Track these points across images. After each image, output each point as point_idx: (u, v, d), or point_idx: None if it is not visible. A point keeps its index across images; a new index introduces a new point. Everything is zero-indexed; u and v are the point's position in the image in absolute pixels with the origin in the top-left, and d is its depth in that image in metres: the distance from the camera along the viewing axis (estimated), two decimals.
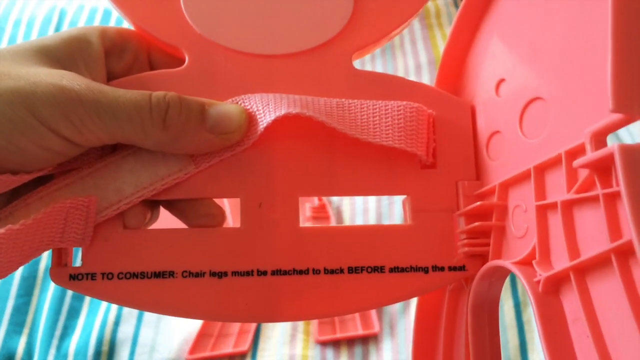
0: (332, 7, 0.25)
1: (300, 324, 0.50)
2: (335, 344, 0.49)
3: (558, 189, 0.19)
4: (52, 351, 0.48)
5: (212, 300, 0.23)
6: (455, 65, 0.27)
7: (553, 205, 0.20)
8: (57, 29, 0.70)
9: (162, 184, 0.23)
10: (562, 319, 0.18)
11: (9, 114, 0.19)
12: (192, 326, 0.49)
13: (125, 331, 0.48)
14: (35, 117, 0.19)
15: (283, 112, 0.23)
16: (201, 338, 0.48)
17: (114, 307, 0.50)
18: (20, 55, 0.21)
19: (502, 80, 0.24)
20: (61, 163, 0.22)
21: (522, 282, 0.19)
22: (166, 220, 0.25)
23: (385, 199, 0.57)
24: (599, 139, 0.17)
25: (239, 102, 0.23)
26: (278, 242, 0.23)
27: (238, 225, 0.24)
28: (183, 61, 0.24)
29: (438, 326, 0.27)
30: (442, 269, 0.24)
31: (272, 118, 0.23)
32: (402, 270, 0.24)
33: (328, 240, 0.24)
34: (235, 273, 0.23)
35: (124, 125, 0.20)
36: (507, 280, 0.51)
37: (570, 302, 0.18)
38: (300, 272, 0.23)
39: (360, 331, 0.49)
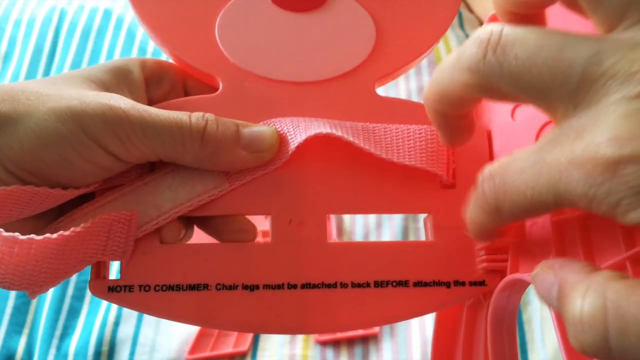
0: (356, 38, 0.27)
1: None
2: (335, 344, 0.49)
3: None
4: (52, 351, 0.48)
5: (245, 312, 0.24)
6: None
7: (568, 220, 0.20)
8: (57, 29, 0.70)
9: (199, 201, 0.24)
10: None
11: (62, 130, 0.20)
12: (192, 326, 0.49)
13: (125, 331, 0.48)
14: (85, 134, 0.21)
15: (314, 132, 0.24)
16: (201, 338, 0.48)
17: (114, 307, 0.50)
18: (71, 80, 0.22)
19: (517, 106, 0.25)
20: (104, 181, 0.23)
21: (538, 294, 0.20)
22: (197, 239, 0.26)
23: None
24: None
25: (271, 125, 0.25)
26: (307, 257, 0.25)
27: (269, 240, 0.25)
28: (217, 89, 0.26)
29: (456, 341, 0.28)
30: (463, 283, 0.25)
31: (304, 138, 0.24)
32: (426, 284, 0.25)
33: (355, 255, 0.25)
34: (266, 286, 0.24)
35: (166, 141, 0.22)
36: None
37: None
38: (329, 285, 0.24)
39: (360, 331, 0.49)
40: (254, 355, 0.48)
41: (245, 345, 0.48)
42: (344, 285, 0.24)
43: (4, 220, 0.20)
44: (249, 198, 0.25)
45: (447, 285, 0.25)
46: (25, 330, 0.50)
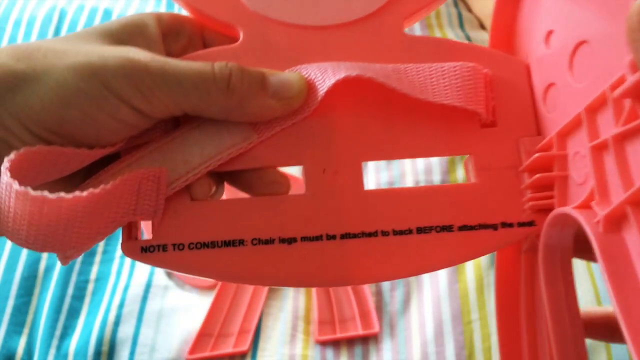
0: None
1: (300, 324, 0.50)
2: (335, 344, 0.49)
3: (609, 127, 0.19)
4: (52, 351, 0.48)
5: (283, 266, 0.23)
6: (506, 24, 0.27)
7: (606, 144, 0.19)
8: (57, 28, 0.70)
9: (227, 154, 0.23)
10: (626, 256, 0.18)
11: (83, 87, 0.20)
12: (192, 326, 0.49)
13: (125, 331, 0.48)
14: (107, 89, 0.20)
15: (343, 75, 0.23)
16: (201, 338, 0.48)
17: (114, 307, 0.50)
18: (86, 37, 0.22)
19: (551, 32, 0.24)
20: (129, 140, 0.22)
21: (582, 225, 0.19)
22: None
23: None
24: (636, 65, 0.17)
25: (297, 71, 0.24)
26: (344, 206, 0.24)
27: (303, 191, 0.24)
28: (237, 39, 0.25)
29: (519, 290, 0.27)
30: (510, 225, 0.24)
31: (332, 83, 0.23)
32: (471, 228, 0.24)
33: (394, 202, 0.24)
34: (304, 238, 0.23)
35: (190, 92, 0.21)
36: None
37: (632, 236, 0.18)
38: (369, 234, 0.23)
39: (360, 331, 0.49)
40: (254, 355, 0.48)
41: (245, 346, 0.48)
42: (385, 234, 0.23)
43: (31, 183, 0.19)
44: (280, 149, 0.24)
45: (494, 227, 0.24)
46: (25, 330, 0.50)
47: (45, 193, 0.18)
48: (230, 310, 0.50)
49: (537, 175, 0.23)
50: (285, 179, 0.25)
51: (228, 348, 0.48)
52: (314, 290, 0.51)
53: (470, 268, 0.52)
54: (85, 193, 0.19)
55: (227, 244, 0.23)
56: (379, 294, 0.52)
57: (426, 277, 0.52)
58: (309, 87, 0.23)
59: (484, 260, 0.52)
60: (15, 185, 0.18)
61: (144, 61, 0.20)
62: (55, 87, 0.20)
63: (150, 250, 0.23)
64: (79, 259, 0.53)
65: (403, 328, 0.50)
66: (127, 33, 0.23)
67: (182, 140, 0.23)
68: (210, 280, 0.52)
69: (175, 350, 0.48)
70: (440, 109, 0.24)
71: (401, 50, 0.25)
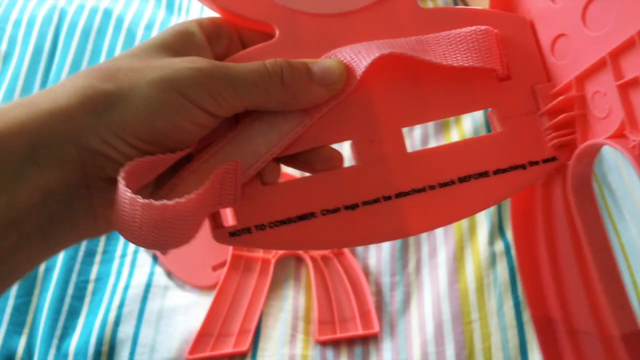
0: None
1: (300, 324, 0.50)
2: (335, 344, 0.49)
3: (633, 69, 0.23)
4: (52, 351, 0.48)
5: (350, 229, 0.26)
6: None
7: (633, 82, 0.23)
8: (57, 29, 0.70)
9: (287, 139, 0.25)
10: None
11: (165, 98, 0.22)
12: (192, 326, 0.49)
13: (125, 331, 0.48)
14: (184, 97, 0.23)
15: (377, 54, 0.25)
16: (201, 338, 0.48)
17: (114, 307, 0.50)
18: (149, 52, 0.25)
19: None
20: (200, 140, 0.25)
21: (620, 151, 0.23)
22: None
23: None
24: None
25: (332, 56, 0.26)
26: (394, 169, 0.27)
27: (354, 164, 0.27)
28: (271, 34, 0.27)
29: (534, 223, 0.30)
30: (536, 162, 0.27)
31: (369, 62, 0.25)
32: (504, 171, 0.27)
33: (435, 159, 0.27)
34: (365, 203, 0.26)
35: (252, 90, 0.24)
36: (507, 280, 0.51)
37: None
38: (419, 190, 0.27)
39: (360, 331, 0.49)
40: (254, 355, 0.48)
41: (245, 346, 0.48)
42: (432, 187, 0.27)
43: (135, 188, 0.22)
44: (330, 128, 0.27)
45: (523, 167, 0.27)
46: (25, 330, 0.50)
47: (151, 201, 0.21)
48: (230, 310, 0.50)
49: (562, 116, 0.26)
50: (339, 154, 0.27)
51: (228, 348, 0.48)
52: (314, 290, 0.51)
53: (470, 268, 0.52)
54: (184, 199, 0.22)
55: (301, 218, 0.26)
56: (379, 294, 0.52)
57: (426, 277, 0.52)
58: (347, 69, 0.26)
59: (483, 260, 0.52)
60: (129, 193, 0.21)
61: (209, 69, 0.23)
62: (143, 102, 0.22)
63: (237, 234, 0.26)
64: (79, 259, 0.53)
65: (403, 328, 0.50)
66: (180, 43, 0.26)
67: (246, 133, 0.25)
68: (210, 281, 0.52)
69: (175, 350, 0.48)
70: (461, 71, 0.27)
71: (417, 22, 0.28)
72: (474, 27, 0.27)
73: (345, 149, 0.48)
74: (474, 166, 0.27)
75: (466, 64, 0.27)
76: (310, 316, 0.51)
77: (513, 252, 0.53)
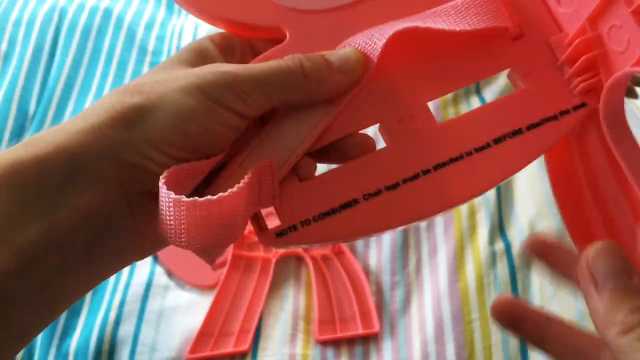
0: None
1: (301, 324, 0.50)
2: (335, 343, 0.49)
3: None
4: (53, 351, 0.48)
5: (395, 208, 0.26)
6: None
7: None
8: (57, 28, 0.70)
9: (317, 130, 0.25)
10: None
11: (194, 103, 0.23)
12: (192, 326, 0.49)
13: (126, 330, 0.49)
14: (212, 101, 0.23)
15: (391, 32, 0.25)
16: (201, 337, 0.48)
17: (115, 306, 0.50)
18: (170, 67, 0.25)
19: None
20: (231, 146, 0.25)
21: None
22: None
23: None
24: None
25: (346, 45, 0.27)
26: (428, 143, 0.26)
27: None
28: (280, 40, 0.27)
29: (575, 179, 0.30)
30: (567, 111, 0.27)
31: (384, 42, 0.26)
32: (537, 125, 0.27)
33: (467, 126, 0.27)
34: (404, 180, 0.26)
35: (277, 87, 0.24)
36: (508, 279, 0.51)
37: None
38: (456, 158, 0.26)
39: (360, 330, 0.49)
40: (254, 354, 0.48)
41: (245, 345, 0.48)
42: (469, 154, 0.26)
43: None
44: (357, 114, 0.27)
45: (555, 117, 0.27)
46: None
47: (196, 198, 0.21)
48: (231, 310, 0.50)
49: (582, 58, 0.26)
50: (370, 138, 0.27)
51: (228, 347, 0.48)
52: (314, 289, 0.51)
53: (470, 267, 0.52)
54: (235, 188, 0.22)
55: (344, 206, 0.26)
56: (379, 293, 0.52)
57: (426, 277, 0.52)
58: (363, 54, 0.26)
59: (484, 259, 0.52)
60: (172, 195, 0.21)
61: (233, 71, 0.24)
62: (174, 109, 0.22)
63: (283, 233, 0.25)
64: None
65: (403, 328, 0.50)
66: (197, 58, 0.26)
67: (276, 130, 0.25)
68: (210, 280, 0.52)
69: (176, 350, 0.48)
70: (475, 36, 0.27)
71: (422, 1, 0.28)
72: None
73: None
74: (506, 126, 0.27)
75: (479, 27, 0.27)
76: (311, 316, 0.51)
77: (513, 251, 0.53)
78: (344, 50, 0.26)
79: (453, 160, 0.26)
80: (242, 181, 0.22)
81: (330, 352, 0.49)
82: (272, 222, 0.25)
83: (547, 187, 0.55)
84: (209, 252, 0.23)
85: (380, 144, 0.27)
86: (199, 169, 0.24)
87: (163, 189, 0.21)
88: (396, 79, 0.27)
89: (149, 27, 0.73)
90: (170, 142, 0.22)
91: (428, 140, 0.27)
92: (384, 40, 0.26)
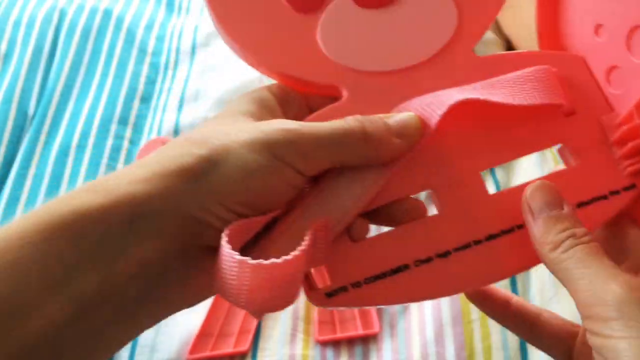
0: (439, 14, 0.29)
1: (300, 324, 0.50)
2: (335, 344, 0.49)
3: None
4: None
5: (444, 277, 0.26)
6: (550, 29, 0.32)
7: None
8: (57, 29, 0.70)
9: (371, 192, 0.25)
10: None
11: (260, 159, 0.22)
12: (192, 326, 0.49)
13: None
14: (277, 158, 0.23)
15: (451, 102, 0.26)
16: (201, 338, 0.48)
17: None
18: (234, 118, 0.25)
19: (599, 26, 0.28)
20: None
21: None
22: None
23: None
24: None
25: (402, 109, 0.27)
26: (479, 213, 0.27)
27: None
28: (335, 97, 0.28)
29: None
30: (617, 192, 0.27)
31: (443, 111, 0.25)
32: (587, 203, 0.27)
33: (517, 198, 0.26)
34: (455, 249, 0.26)
35: (339, 148, 0.24)
36: (507, 280, 0.51)
37: None
38: (508, 231, 0.26)
39: (360, 331, 0.49)
40: (254, 355, 0.48)
41: (245, 345, 0.48)
42: (519, 227, 0.26)
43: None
44: (409, 178, 0.27)
45: (605, 197, 0.27)
46: None
47: (261, 261, 0.20)
48: (231, 310, 0.50)
49: (629, 145, 0.27)
50: (421, 204, 0.27)
51: (228, 348, 0.48)
52: None
53: None
54: (298, 251, 0.21)
55: (395, 271, 0.25)
56: None
57: None
58: (421, 120, 0.26)
59: None
60: (237, 255, 0.20)
61: (297, 129, 0.23)
62: (239, 164, 0.22)
63: (334, 294, 0.25)
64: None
65: (403, 328, 0.50)
66: (257, 109, 0.26)
67: (331, 189, 0.25)
68: None
69: (176, 351, 0.48)
70: (528, 110, 0.27)
71: (476, 70, 0.28)
72: (534, 67, 0.28)
73: None
74: None
75: (534, 102, 0.27)
76: (310, 316, 0.51)
77: None
78: (403, 115, 0.26)
79: (505, 232, 0.26)
80: (303, 243, 0.22)
81: (330, 353, 0.49)
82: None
83: None
84: (264, 313, 0.23)
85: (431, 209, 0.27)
86: (256, 225, 0.23)
87: (226, 248, 0.21)
88: (449, 145, 0.27)
89: (148, 27, 0.73)
90: (234, 197, 0.22)
91: (480, 209, 0.27)
92: (444, 110, 0.25)
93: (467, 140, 0.27)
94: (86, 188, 0.21)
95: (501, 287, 0.50)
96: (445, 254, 0.26)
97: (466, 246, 0.26)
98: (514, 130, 0.28)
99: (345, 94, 0.27)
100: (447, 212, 0.27)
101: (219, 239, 0.21)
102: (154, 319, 0.23)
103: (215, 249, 0.21)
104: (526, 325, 0.31)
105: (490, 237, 0.26)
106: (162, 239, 0.21)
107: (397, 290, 0.25)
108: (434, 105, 0.26)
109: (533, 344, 0.32)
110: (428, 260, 0.26)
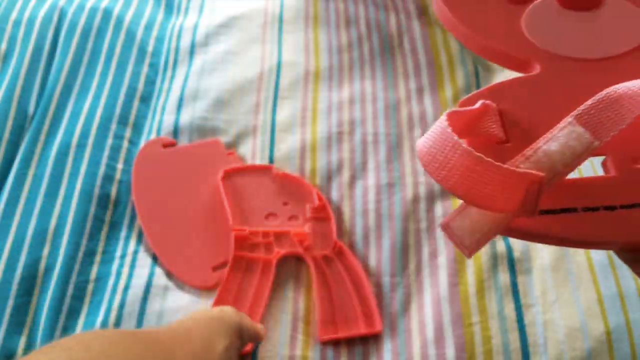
0: (635, 21, 0.33)
1: (300, 325, 0.50)
2: (335, 344, 0.49)
3: None
4: None
5: (605, 226, 0.28)
6: None
7: None
8: (57, 29, 0.70)
9: (579, 162, 0.27)
10: None
11: None
12: None
13: None
14: None
15: None
16: None
17: (115, 307, 0.50)
18: None
19: None
20: None
21: None
22: None
23: (385, 199, 0.57)
24: None
25: (604, 96, 0.28)
26: None
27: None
28: (522, 70, 0.31)
29: None
30: None
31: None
32: None
33: None
34: (622, 206, 0.28)
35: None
36: (508, 283, 0.51)
37: None
38: None
39: (363, 330, 0.49)
40: (254, 356, 0.48)
41: (245, 347, 0.48)
42: None
43: None
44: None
45: None
46: (25, 331, 0.50)
47: (482, 155, 0.24)
48: None
49: None
50: None
51: None
52: (315, 290, 0.51)
53: (471, 270, 0.52)
54: (505, 167, 0.24)
55: (564, 210, 0.28)
56: (378, 295, 0.52)
57: (426, 279, 0.52)
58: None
59: (485, 262, 0.52)
60: (456, 137, 0.24)
61: None
62: None
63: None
64: (79, 259, 0.53)
65: (403, 329, 0.50)
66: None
67: (547, 155, 0.27)
68: (210, 281, 0.52)
69: None
70: None
71: None
72: None
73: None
74: None
75: None
76: (310, 317, 0.51)
77: (515, 255, 0.53)
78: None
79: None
80: (509, 169, 0.25)
81: (330, 354, 0.49)
82: None
83: None
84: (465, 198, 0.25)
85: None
86: (469, 115, 0.27)
87: (449, 130, 0.24)
88: None
89: (148, 27, 0.73)
90: None
91: None
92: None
93: None
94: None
95: (502, 290, 0.51)
96: (611, 208, 0.28)
97: (632, 205, 0.28)
98: None
99: (538, 68, 0.31)
100: (620, 176, 0.29)
101: None
102: None
103: None
104: None
105: None
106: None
107: (561, 225, 0.28)
108: None
109: None
110: (595, 209, 0.28)
